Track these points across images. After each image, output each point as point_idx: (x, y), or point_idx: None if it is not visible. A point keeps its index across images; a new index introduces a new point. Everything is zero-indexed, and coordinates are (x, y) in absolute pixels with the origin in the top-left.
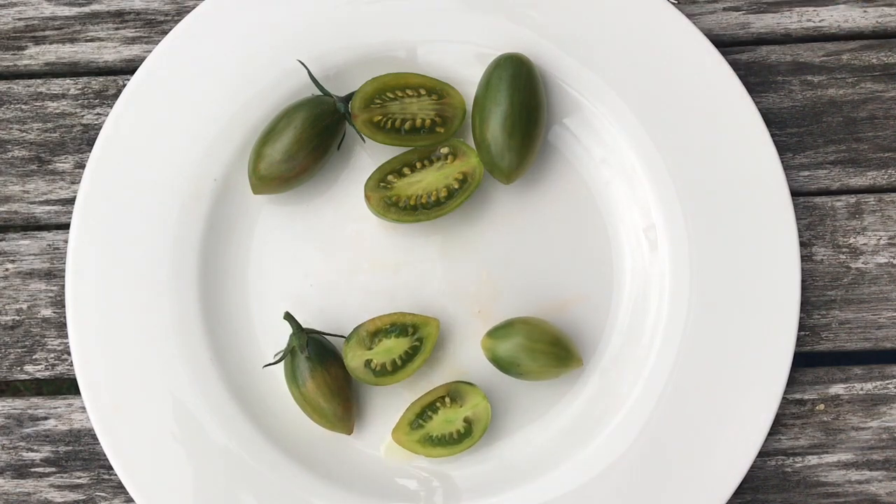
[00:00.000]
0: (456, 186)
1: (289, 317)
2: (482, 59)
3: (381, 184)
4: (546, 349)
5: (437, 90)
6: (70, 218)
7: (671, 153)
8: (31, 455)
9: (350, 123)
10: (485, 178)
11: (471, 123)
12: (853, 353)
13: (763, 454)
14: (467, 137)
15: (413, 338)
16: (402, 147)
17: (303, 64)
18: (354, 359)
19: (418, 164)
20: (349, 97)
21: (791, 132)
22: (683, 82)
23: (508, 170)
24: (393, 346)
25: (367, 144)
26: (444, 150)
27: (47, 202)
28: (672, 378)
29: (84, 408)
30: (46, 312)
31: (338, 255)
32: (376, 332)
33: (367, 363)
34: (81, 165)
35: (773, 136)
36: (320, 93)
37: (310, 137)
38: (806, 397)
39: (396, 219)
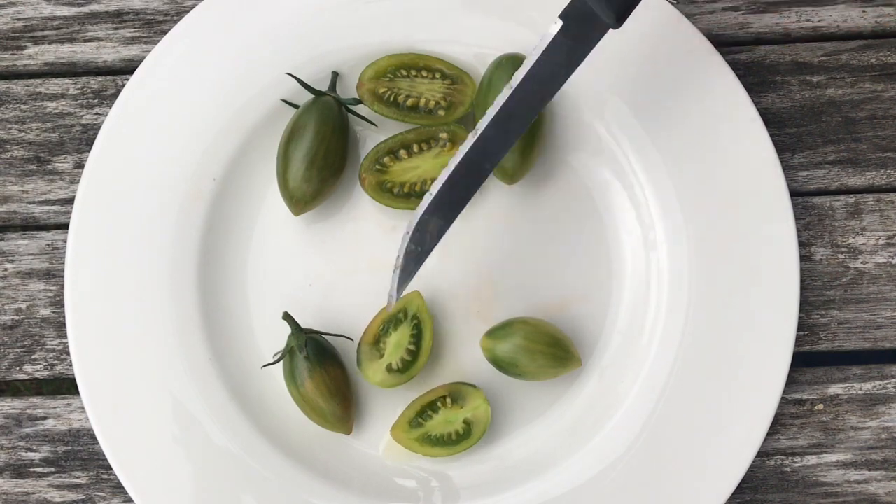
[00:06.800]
0: None
1: (287, 317)
2: (482, 59)
3: (377, 166)
4: (545, 350)
5: (454, 76)
6: (69, 218)
7: (670, 153)
8: (30, 455)
9: (349, 110)
10: None
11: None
12: (852, 352)
13: (762, 454)
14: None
15: (410, 321)
16: (398, 123)
17: (294, 76)
18: (377, 373)
19: (416, 147)
20: (353, 100)
21: (790, 132)
22: (682, 82)
23: (513, 170)
24: (399, 339)
25: (366, 145)
26: (443, 136)
27: (46, 202)
28: (671, 378)
29: (83, 408)
30: (45, 312)
31: (337, 254)
32: (376, 338)
33: (388, 368)
34: (80, 165)
35: (772, 135)
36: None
37: (330, 150)
38: (805, 397)
39: (390, 203)
